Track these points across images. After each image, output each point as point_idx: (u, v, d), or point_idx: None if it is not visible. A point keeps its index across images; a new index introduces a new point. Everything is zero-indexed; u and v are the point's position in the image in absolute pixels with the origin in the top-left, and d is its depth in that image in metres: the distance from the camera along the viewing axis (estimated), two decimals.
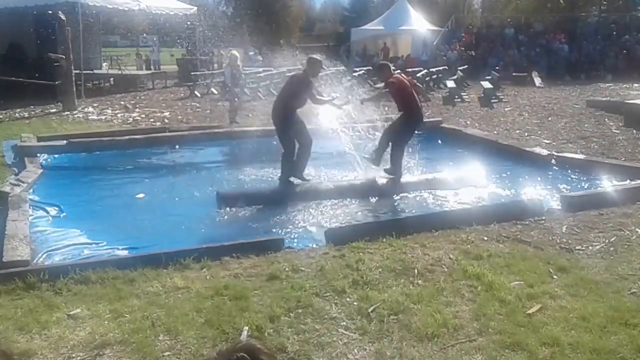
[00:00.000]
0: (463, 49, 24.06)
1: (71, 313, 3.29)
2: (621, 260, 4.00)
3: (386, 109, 12.62)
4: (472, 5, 48.14)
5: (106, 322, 3.19)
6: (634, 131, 9.38)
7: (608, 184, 6.10)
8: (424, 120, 6.73)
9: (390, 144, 6.36)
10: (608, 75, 20.10)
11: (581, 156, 7.40)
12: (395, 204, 6.00)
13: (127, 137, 8.71)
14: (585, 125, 10.23)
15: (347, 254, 4.12)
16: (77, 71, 13.47)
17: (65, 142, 8.19)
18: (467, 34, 26.22)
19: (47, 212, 5.46)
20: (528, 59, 21.99)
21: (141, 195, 6.15)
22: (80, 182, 6.81)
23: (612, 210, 5.06)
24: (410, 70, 17.84)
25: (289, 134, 6.07)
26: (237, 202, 5.72)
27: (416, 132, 6.62)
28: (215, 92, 15.64)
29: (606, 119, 10.74)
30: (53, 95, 12.76)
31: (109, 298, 3.47)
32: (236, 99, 10.62)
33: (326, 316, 3.25)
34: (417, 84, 7.13)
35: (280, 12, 42.66)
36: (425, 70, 16.68)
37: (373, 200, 6.01)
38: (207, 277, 3.78)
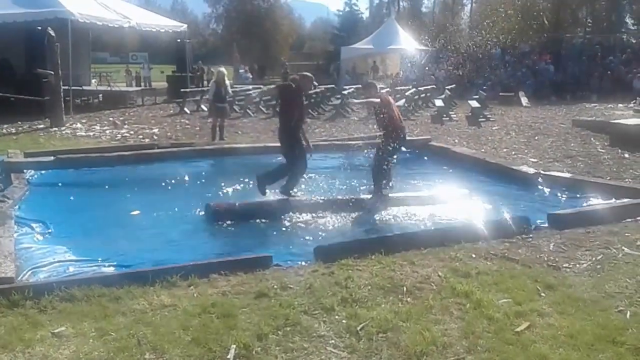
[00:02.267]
0: (451, 68, 24.44)
1: (55, 331, 3.23)
2: (608, 278, 4.03)
3: (375, 127, 12.73)
4: (459, 26, 49.05)
5: (91, 341, 3.14)
6: (619, 150, 9.54)
7: (594, 203, 6.18)
8: (406, 139, 6.83)
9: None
10: (593, 95, 20.49)
11: (567, 175, 7.50)
12: (384, 220, 6.01)
13: (115, 154, 8.66)
14: (572, 145, 10.38)
15: (336, 271, 4.11)
16: (66, 87, 13.43)
17: (52, 158, 8.12)
18: (455, 53, 26.65)
19: (33, 228, 5.39)
20: (515, 79, 22.37)
21: (136, 212, 6.09)
22: (67, 198, 6.74)
23: (599, 228, 5.11)
24: (399, 88, 18.11)
25: (293, 149, 6.19)
26: (227, 217, 5.72)
27: (402, 149, 6.72)
28: (205, 109, 15.66)
29: (592, 139, 10.92)
30: (41, 111, 12.69)
31: (94, 316, 3.41)
32: (218, 119, 10.64)
33: (314, 334, 3.23)
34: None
35: (271, 31, 43.11)
36: (414, 89, 16.88)
37: (361, 216, 6.03)
38: (195, 295, 3.74)
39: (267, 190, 6.26)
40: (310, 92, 6.55)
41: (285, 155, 6.31)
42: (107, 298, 3.64)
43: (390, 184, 6.58)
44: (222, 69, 11.36)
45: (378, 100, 6.37)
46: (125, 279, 3.87)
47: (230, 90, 11.34)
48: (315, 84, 6.69)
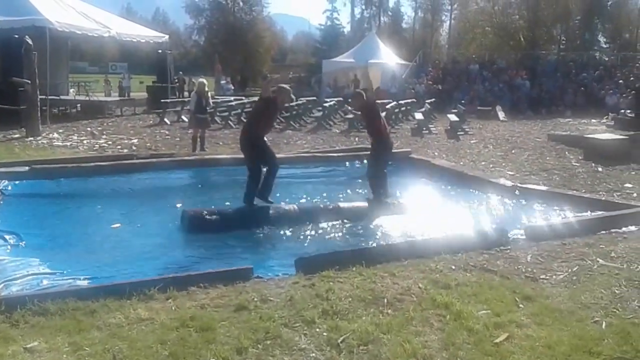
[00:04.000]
0: (431, 82, 24.82)
1: (28, 346, 3.13)
2: (584, 289, 4.10)
3: (356, 139, 12.82)
4: (439, 42, 50.13)
5: (65, 356, 3.05)
6: (593, 164, 9.78)
7: (570, 215, 6.30)
8: (392, 147, 6.99)
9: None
10: (567, 110, 21.05)
11: (543, 188, 7.64)
12: (365, 230, 6.03)
13: (92, 164, 8.51)
14: (547, 158, 10.61)
15: (317, 283, 4.09)
16: (43, 96, 13.20)
17: (27, 168, 7.93)
18: (434, 68, 27.13)
19: (6, 240, 5.25)
20: (492, 94, 22.84)
21: (117, 225, 5.98)
22: (42, 210, 6.59)
23: (574, 240, 5.20)
24: (379, 102, 18.29)
25: (255, 157, 6.14)
26: (206, 228, 5.66)
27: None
28: (186, 119, 15.57)
29: (566, 152, 11.18)
30: (16, 121, 12.44)
31: (68, 330, 3.32)
32: (199, 129, 10.56)
33: (295, 347, 3.20)
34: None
35: (253, 43, 43.24)
36: (395, 103, 17.08)
37: (343, 226, 6.04)
38: (173, 308, 3.67)
39: (270, 199, 6.23)
40: (287, 104, 6.52)
41: (247, 163, 6.26)
42: (81, 312, 3.55)
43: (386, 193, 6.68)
44: (203, 79, 11.32)
45: (363, 111, 6.50)
46: (101, 292, 3.78)
47: (211, 101, 11.31)
48: (293, 97, 6.69)
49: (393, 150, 7.30)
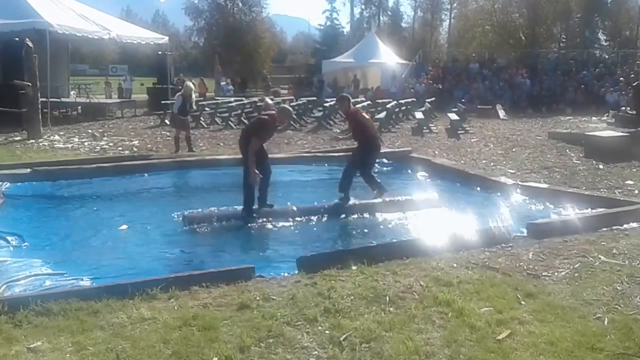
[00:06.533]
0: (431, 82, 24.80)
1: (31, 346, 3.14)
2: (585, 285, 4.10)
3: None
4: (438, 41, 50.17)
5: (68, 356, 3.06)
6: (594, 162, 9.77)
7: (571, 212, 6.30)
8: (380, 148, 7.00)
9: (352, 177, 6.67)
10: (568, 108, 21.02)
11: (545, 185, 7.64)
12: (365, 229, 6.03)
13: (94, 166, 8.53)
14: (548, 156, 10.60)
15: (319, 281, 4.10)
16: (44, 99, 13.22)
17: (29, 170, 7.96)
18: (434, 67, 27.11)
19: (8, 242, 5.26)
20: (492, 93, 22.82)
21: (124, 227, 5.98)
22: (44, 211, 6.61)
23: (576, 237, 5.20)
24: (380, 101, 18.30)
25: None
26: (204, 226, 5.68)
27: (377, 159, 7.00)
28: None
29: (567, 150, 11.17)
30: (18, 123, 12.46)
31: (71, 330, 3.33)
32: (182, 131, 10.53)
33: (297, 345, 3.21)
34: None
35: (253, 44, 43.20)
36: (395, 102, 17.07)
37: (342, 224, 6.05)
38: (175, 308, 3.68)
39: (270, 204, 6.26)
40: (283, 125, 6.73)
41: (245, 169, 6.29)
42: (84, 312, 3.56)
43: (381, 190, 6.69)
44: (189, 83, 11.30)
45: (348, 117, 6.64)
46: (103, 292, 3.79)
47: (194, 104, 11.31)
48: (294, 117, 6.93)
49: (394, 150, 7.33)
